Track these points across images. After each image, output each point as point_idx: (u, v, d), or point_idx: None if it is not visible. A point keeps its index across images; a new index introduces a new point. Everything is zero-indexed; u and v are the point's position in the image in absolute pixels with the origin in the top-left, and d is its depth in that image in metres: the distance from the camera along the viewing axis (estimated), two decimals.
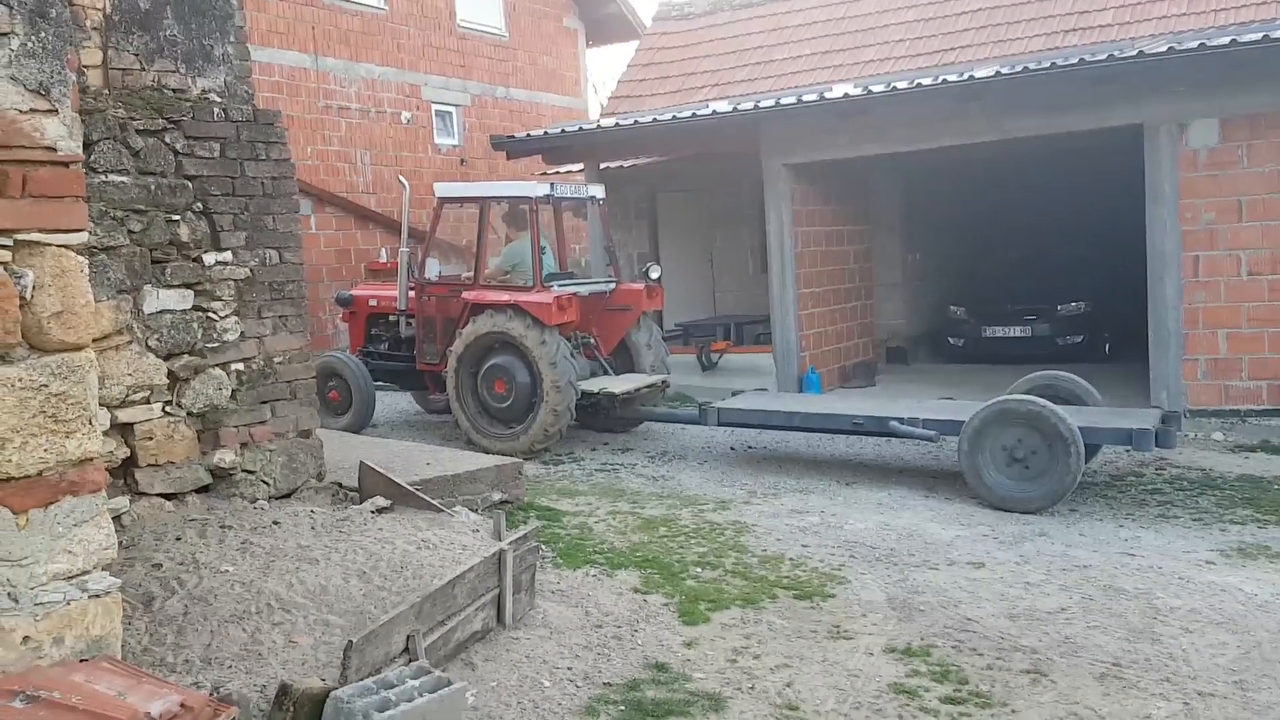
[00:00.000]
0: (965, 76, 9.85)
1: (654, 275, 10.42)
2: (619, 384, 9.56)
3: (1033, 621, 4.85)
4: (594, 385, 9.40)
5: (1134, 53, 9.11)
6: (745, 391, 9.90)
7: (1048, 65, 9.46)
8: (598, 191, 10.51)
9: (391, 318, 10.55)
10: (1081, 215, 14.23)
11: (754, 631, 4.73)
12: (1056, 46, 12.50)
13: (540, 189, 9.73)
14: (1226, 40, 8.68)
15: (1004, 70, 9.68)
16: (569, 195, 10.19)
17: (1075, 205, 14.29)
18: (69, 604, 3.06)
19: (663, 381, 9.93)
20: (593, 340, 10.10)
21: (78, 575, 3.09)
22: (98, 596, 3.13)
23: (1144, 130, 9.37)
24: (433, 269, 10.18)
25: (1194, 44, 8.89)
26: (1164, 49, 8.95)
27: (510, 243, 10.39)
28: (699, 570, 5.63)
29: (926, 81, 10.11)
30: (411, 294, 10.21)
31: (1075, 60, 9.41)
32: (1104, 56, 9.25)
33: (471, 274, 10.03)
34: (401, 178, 11.32)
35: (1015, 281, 13.58)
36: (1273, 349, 9.06)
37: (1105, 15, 12.71)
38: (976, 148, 10.89)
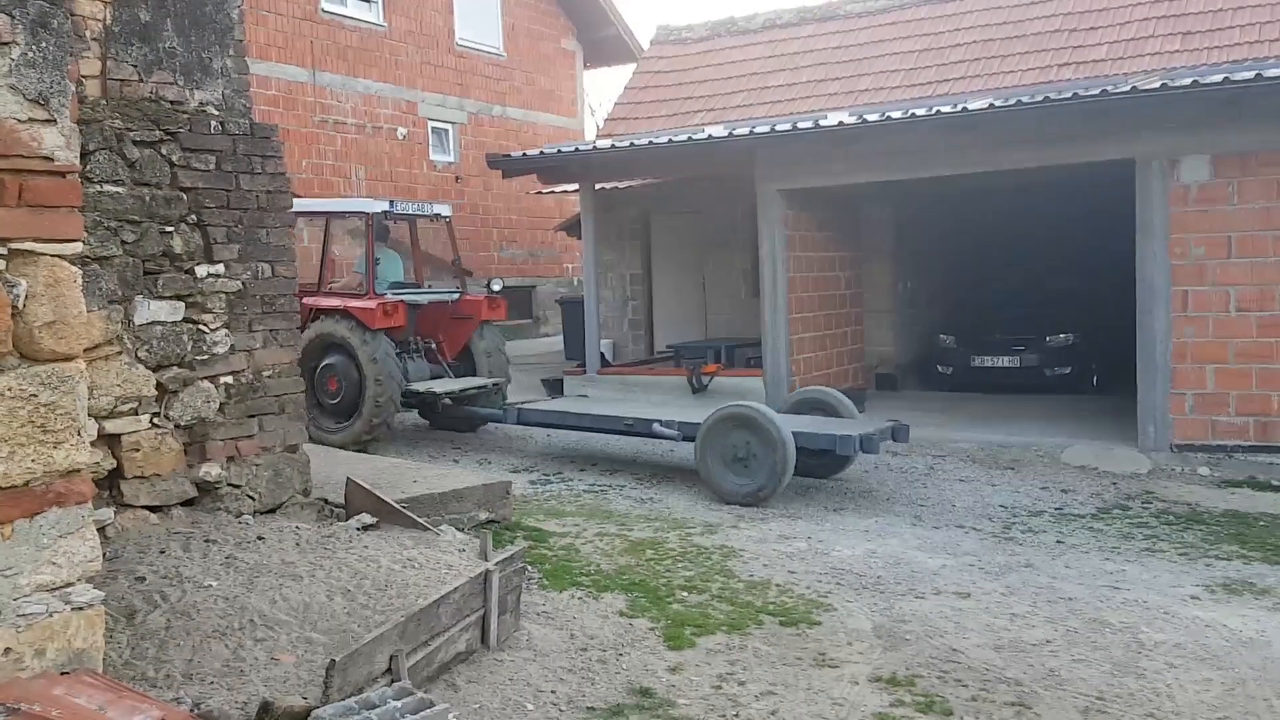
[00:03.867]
0: (959, 108, 9.94)
1: (495, 288, 11.40)
2: (444, 385, 10.58)
3: (1018, 653, 4.85)
4: (421, 385, 10.41)
5: (1127, 88, 9.20)
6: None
7: (1041, 99, 9.55)
8: (444, 209, 11.50)
9: None
10: (1072, 247, 14.35)
11: (739, 658, 4.71)
12: (1050, 80, 12.63)
13: (378, 205, 10.79)
14: (1219, 78, 8.77)
15: (997, 102, 9.75)
16: (411, 212, 11.26)
17: (1066, 237, 14.41)
18: (52, 616, 3.04)
19: (494, 384, 10.88)
20: (434, 345, 11.16)
21: (61, 587, 3.07)
22: (81, 609, 3.11)
23: (1136, 165, 9.45)
24: None
25: (1187, 81, 8.99)
26: (1157, 85, 9.05)
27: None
28: (685, 594, 5.61)
29: (920, 112, 10.19)
30: None
31: (1069, 94, 9.50)
32: (1097, 91, 9.34)
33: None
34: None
35: (1005, 311, 13.64)
36: (1260, 385, 9.11)
37: (1099, 50, 12.85)
38: (969, 178, 10.98)
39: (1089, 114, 9.40)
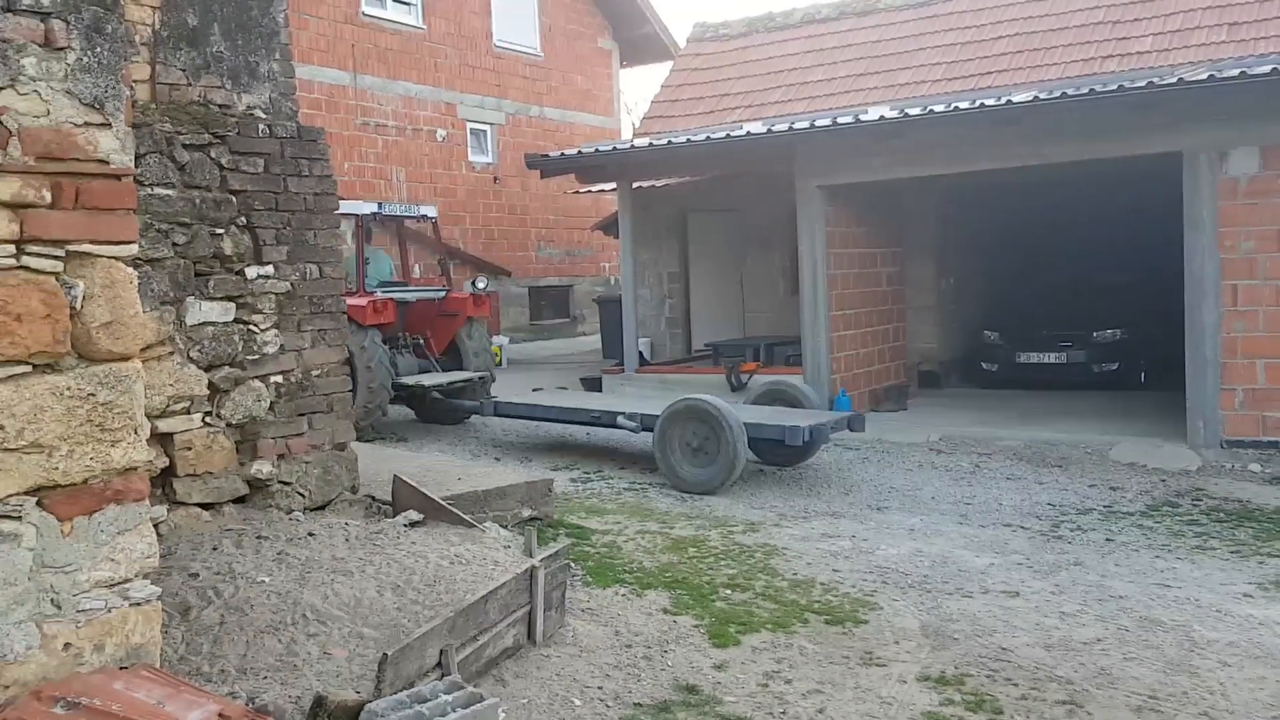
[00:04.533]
0: (1003, 101, 9.82)
1: (480, 285, 12.19)
2: (431, 379, 11.00)
3: (1068, 652, 4.79)
4: (410, 379, 10.82)
5: (1174, 80, 9.06)
6: (542, 389, 12.49)
7: (1086, 91, 9.41)
8: (430, 210, 12.26)
9: None
10: (1118, 241, 14.14)
11: (785, 656, 4.70)
12: (1094, 73, 12.45)
13: (368, 207, 11.43)
14: (1268, 69, 8.60)
15: (1042, 95, 9.64)
16: (399, 213, 11.94)
17: (1112, 231, 14.20)
18: (110, 611, 3.09)
19: (480, 378, 11.36)
20: (422, 341, 11.65)
21: (120, 583, 3.12)
22: (138, 605, 3.16)
23: (1183, 157, 9.30)
24: None
25: (1235, 72, 8.83)
26: (1204, 76, 8.89)
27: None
28: (729, 592, 5.60)
29: (963, 105, 10.09)
30: None
31: (1114, 87, 9.36)
32: (1144, 83, 9.20)
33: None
34: None
35: (1050, 307, 13.48)
36: None
37: (1144, 42, 12.66)
38: (1012, 172, 10.85)
39: (1135, 106, 9.27)
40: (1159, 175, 10.16)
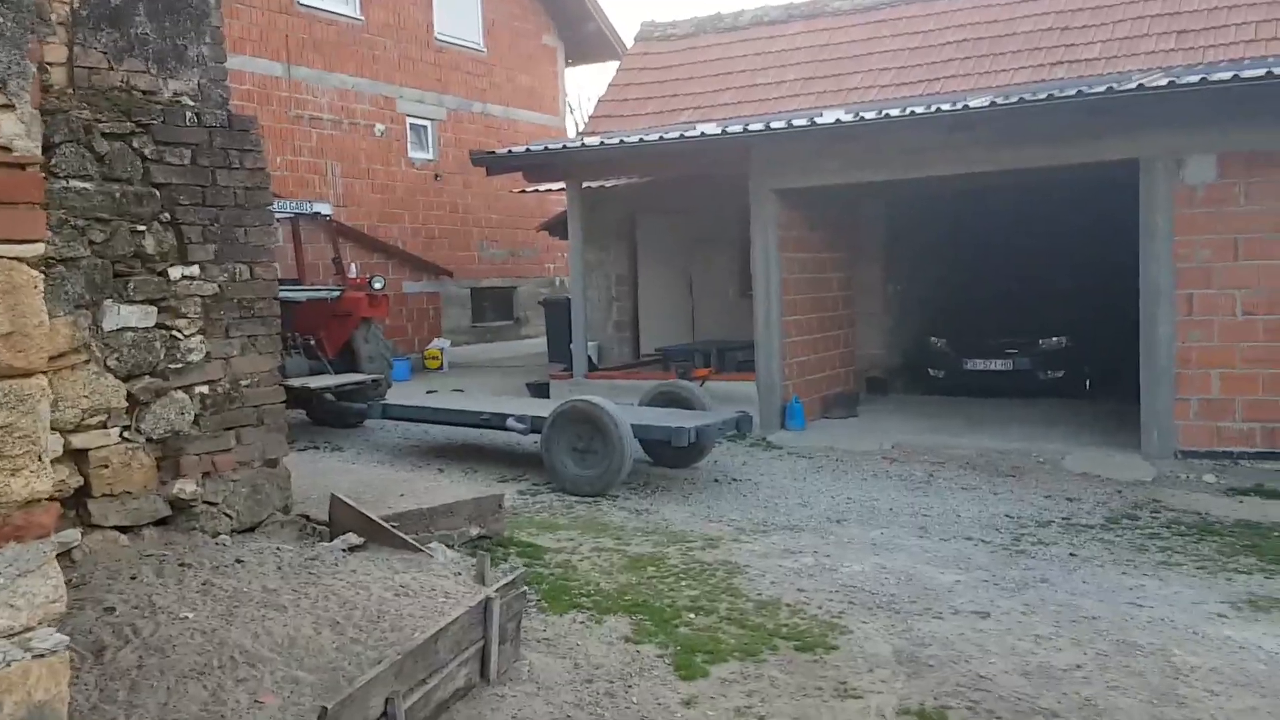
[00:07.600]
0: (959, 106, 9.67)
1: (377, 285, 11.68)
2: (320, 381, 10.71)
3: (1049, 680, 4.57)
4: (297, 381, 10.34)
5: (1133, 85, 8.96)
6: (436, 391, 12.55)
7: (1044, 96, 9.30)
8: (324, 208, 12.04)
9: None
10: (1067, 249, 14.13)
11: (756, 688, 4.41)
12: (1043, 79, 12.40)
13: None
14: (1228, 75, 8.55)
15: (999, 100, 9.50)
16: (290, 210, 11.58)
17: (1060, 239, 14.20)
18: (9, 665, 2.69)
19: (374, 380, 11.09)
20: (313, 341, 11.36)
21: (20, 633, 2.72)
22: (42, 656, 2.76)
23: (1140, 165, 9.23)
24: None
25: (1195, 78, 8.77)
26: (1164, 83, 8.82)
27: None
28: (692, 616, 5.29)
29: (920, 109, 9.93)
30: None
31: (1073, 91, 9.26)
32: (1103, 89, 9.11)
33: None
34: None
35: (997, 314, 13.43)
36: (1267, 391, 8.92)
37: (1093, 49, 12.64)
38: (962, 178, 10.72)
39: (1092, 112, 9.17)
40: (1112, 182, 10.11)
